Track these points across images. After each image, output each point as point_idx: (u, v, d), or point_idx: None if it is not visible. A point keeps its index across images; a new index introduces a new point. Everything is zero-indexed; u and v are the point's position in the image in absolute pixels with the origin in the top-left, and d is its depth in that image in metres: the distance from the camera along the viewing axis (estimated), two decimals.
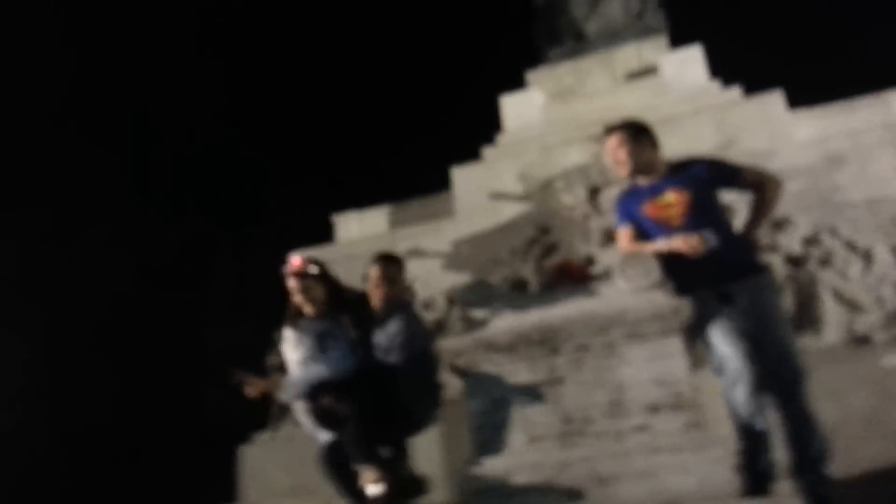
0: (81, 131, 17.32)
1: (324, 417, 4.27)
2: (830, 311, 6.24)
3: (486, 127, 9.16)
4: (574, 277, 4.39)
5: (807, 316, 6.23)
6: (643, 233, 4.10)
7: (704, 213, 3.96)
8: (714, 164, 4.17)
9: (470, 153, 8.96)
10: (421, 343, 4.49)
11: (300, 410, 4.52)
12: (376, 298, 4.61)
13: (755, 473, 3.65)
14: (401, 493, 4.11)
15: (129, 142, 18.05)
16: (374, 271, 4.68)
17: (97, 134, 17.48)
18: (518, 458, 3.87)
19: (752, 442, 3.72)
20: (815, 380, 3.93)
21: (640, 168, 4.16)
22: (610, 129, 4.31)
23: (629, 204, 4.21)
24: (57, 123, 17.10)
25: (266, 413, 8.61)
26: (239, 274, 15.38)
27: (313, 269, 4.55)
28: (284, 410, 8.45)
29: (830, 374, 5.42)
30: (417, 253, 8.70)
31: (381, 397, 4.19)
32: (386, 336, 4.45)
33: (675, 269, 3.89)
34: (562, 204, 7.94)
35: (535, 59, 9.55)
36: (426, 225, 8.90)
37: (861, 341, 6.07)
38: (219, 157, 17.88)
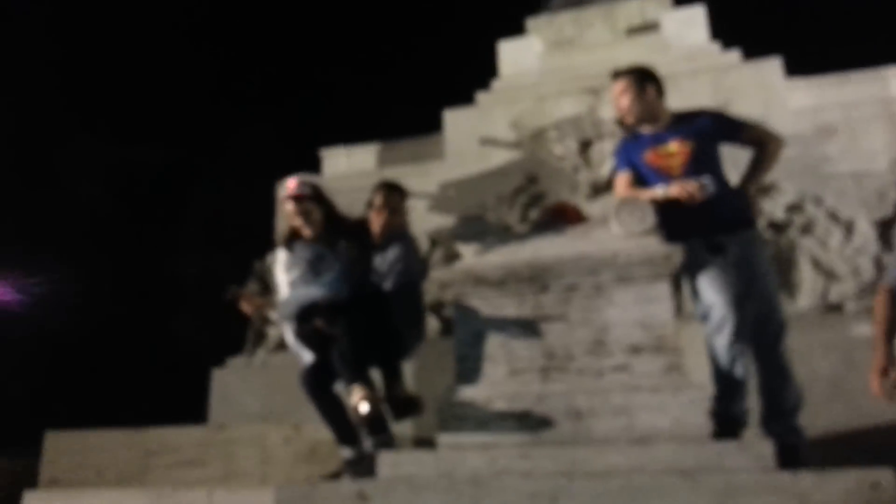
0: (68, 54, 16.97)
1: (313, 338, 4.33)
2: (806, 278, 6.41)
3: (482, 71, 9.12)
4: (569, 220, 4.46)
5: (783, 281, 6.39)
6: (642, 180, 4.18)
7: (705, 165, 4.04)
8: (719, 116, 4.25)
9: (464, 97, 8.94)
10: (415, 273, 4.57)
11: (288, 331, 4.59)
12: (377, 225, 4.66)
13: (728, 418, 3.82)
14: (396, 412, 4.20)
15: (115, 65, 17.72)
16: (378, 198, 4.73)
17: (83, 57, 17.14)
18: (497, 389, 3.98)
19: (728, 388, 3.88)
20: (788, 343, 4.09)
21: (643, 115, 4.22)
22: (616, 74, 4.35)
23: (630, 150, 4.27)
24: (43, 46, 16.73)
25: (241, 339, 8.69)
26: (219, 203, 15.32)
27: (311, 191, 4.56)
28: (260, 337, 8.55)
29: (801, 339, 5.57)
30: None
31: (374, 321, 4.26)
32: (384, 262, 4.52)
33: (670, 217, 3.98)
34: (552, 154, 7.98)
35: (536, 5, 9.48)
36: (414, 165, 8.90)
37: (833, 309, 6.26)
38: (209, 85, 17.64)
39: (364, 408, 4.06)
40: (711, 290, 3.92)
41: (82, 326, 13.71)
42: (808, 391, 4.47)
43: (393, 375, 4.38)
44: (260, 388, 8.00)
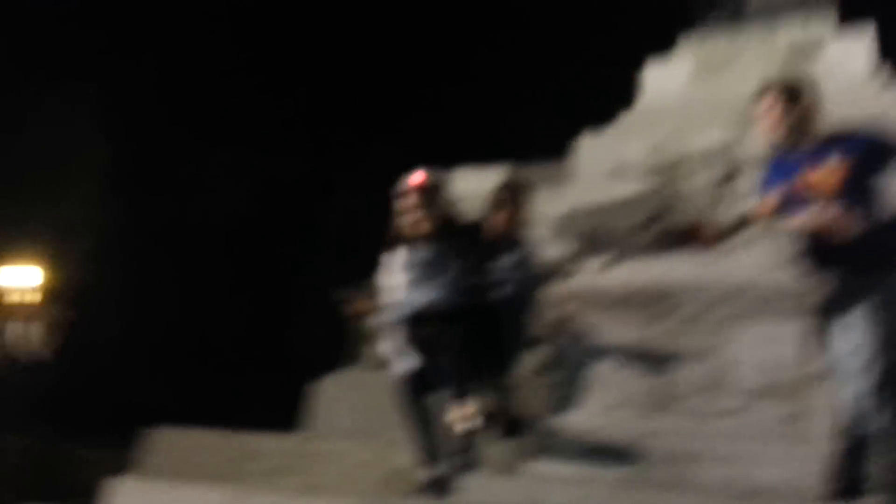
0: (219, 60, 18.12)
1: (424, 344, 4.26)
2: None
3: (622, 93, 8.93)
4: (702, 241, 4.12)
5: None
6: (788, 203, 3.85)
7: (860, 188, 3.70)
8: (879, 136, 3.90)
9: (601, 118, 8.77)
10: (533, 282, 4.44)
11: (391, 335, 4.53)
12: (500, 221, 4.59)
13: (849, 479, 3.42)
14: (505, 431, 4.04)
15: (268, 77, 18.70)
16: (502, 193, 4.69)
17: (234, 64, 18.25)
18: (597, 420, 3.80)
19: (853, 446, 3.48)
20: None
21: (793, 132, 3.92)
22: (765, 88, 4.08)
23: (779, 170, 3.96)
24: (199, 53, 17.94)
25: (342, 353, 8.83)
26: (349, 214, 15.76)
27: (434, 185, 4.49)
28: (359, 354, 8.64)
29: None
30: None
31: (488, 331, 4.14)
32: (502, 267, 4.41)
33: (812, 249, 3.65)
34: (691, 185, 7.66)
35: (687, 25, 9.20)
36: (545, 188, 8.77)
37: None
38: (347, 100, 18.33)
39: (478, 422, 3.90)
40: (846, 336, 3.53)
41: (202, 328, 14.45)
42: None
43: (503, 391, 4.22)
44: (355, 405, 8.05)
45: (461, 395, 4.00)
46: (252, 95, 17.94)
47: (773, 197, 3.95)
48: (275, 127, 17.95)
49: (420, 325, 4.32)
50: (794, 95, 3.97)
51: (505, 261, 4.50)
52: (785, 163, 3.99)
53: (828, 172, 3.76)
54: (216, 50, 17.95)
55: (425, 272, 4.39)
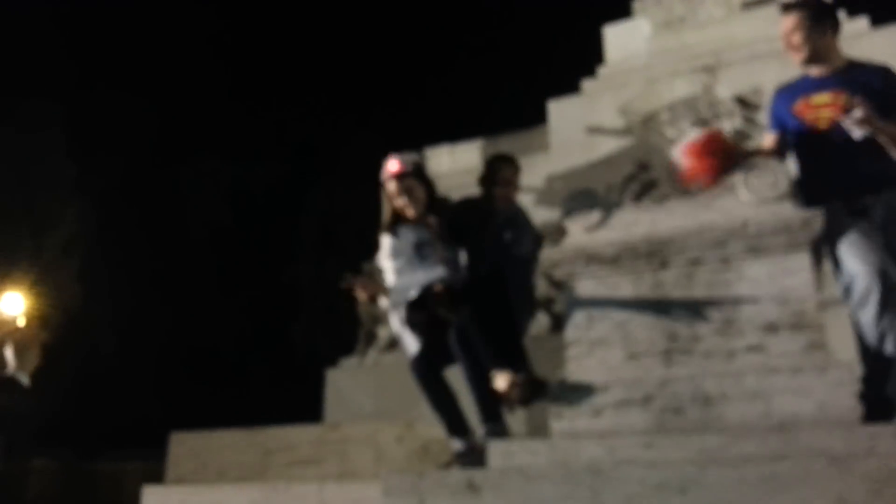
0: (200, 66, 17.75)
1: (424, 324, 4.15)
2: None
3: (587, 59, 8.76)
4: (725, 154, 3.83)
5: None
6: (789, 136, 3.71)
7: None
8: (892, 77, 3.72)
9: (569, 86, 8.60)
10: (528, 250, 4.34)
11: (395, 319, 4.43)
12: (507, 196, 4.53)
13: (879, 400, 3.33)
14: (525, 395, 3.91)
15: (243, 82, 18.39)
16: (509, 170, 4.63)
17: (209, 72, 17.88)
18: (614, 374, 3.66)
19: (878, 368, 3.39)
20: None
21: (815, 56, 3.74)
22: (787, 7, 3.87)
23: (784, 100, 3.79)
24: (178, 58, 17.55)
25: (353, 339, 8.69)
26: (331, 210, 15.56)
27: (413, 168, 4.39)
28: (371, 337, 8.51)
29: None
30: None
31: (495, 303, 4.00)
32: (500, 241, 4.32)
33: (806, 177, 3.55)
34: (665, 138, 7.51)
35: None
36: (519, 159, 8.64)
37: None
38: (314, 95, 18.06)
39: (515, 392, 3.82)
40: (854, 259, 3.42)
41: (205, 333, 14.21)
42: None
43: (520, 358, 4.09)
44: (372, 388, 7.93)
45: (499, 364, 3.87)
46: (227, 101, 17.64)
47: (771, 136, 3.82)
48: (251, 131, 17.66)
49: (420, 308, 4.21)
50: (819, 19, 3.77)
51: (504, 235, 4.40)
52: (789, 92, 3.81)
53: (822, 105, 3.62)
54: (190, 58, 17.61)
55: (415, 255, 4.30)
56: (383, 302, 4.47)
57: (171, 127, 16.89)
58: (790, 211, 3.49)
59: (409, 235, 4.36)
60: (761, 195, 3.57)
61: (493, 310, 3.99)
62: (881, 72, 3.71)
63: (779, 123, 3.82)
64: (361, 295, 4.39)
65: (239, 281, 14.90)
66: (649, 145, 7.68)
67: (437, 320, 4.12)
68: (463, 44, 18.23)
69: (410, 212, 4.36)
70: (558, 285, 4.14)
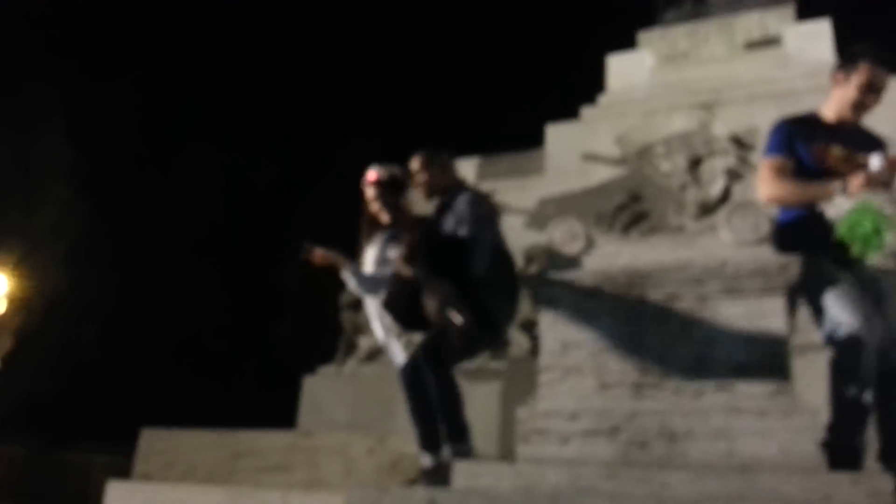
0: (189, 62, 17.81)
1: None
2: None
3: (589, 86, 8.86)
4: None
5: None
6: (802, 173, 3.68)
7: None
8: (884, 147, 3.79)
9: (569, 112, 8.70)
10: (492, 228, 4.32)
11: (381, 327, 4.56)
12: (422, 191, 4.58)
13: (846, 450, 3.36)
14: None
15: (239, 79, 18.45)
16: (414, 164, 4.67)
17: (205, 66, 17.94)
18: (585, 403, 3.70)
19: (850, 417, 3.41)
20: None
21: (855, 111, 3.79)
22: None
23: (801, 134, 3.69)
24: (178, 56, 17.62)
25: (333, 347, 8.69)
26: (322, 214, 15.59)
27: (388, 178, 4.58)
28: (351, 346, 8.51)
29: None
30: (501, 207, 8.56)
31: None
32: (454, 215, 4.31)
33: (805, 220, 3.56)
34: (659, 171, 7.61)
35: (649, 19, 9.16)
36: (514, 180, 8.72)
37: None
38: (318, 98, 18.15)
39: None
40: (839, 308, 3.45)
41: (187, 328, 14.19)
42: None
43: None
44: (348, 398, 7.93)
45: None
46: (223, 96, 17.70)
47: (785, 161, 3.67)
48: (247, 128, 17.72)
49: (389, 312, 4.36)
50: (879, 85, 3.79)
51: (457, 207, 4.42)
52: (808, 129, 3.80)
53: (842, 158, 3.65)
54: (186, 52, 17.67)
55: (383, 262, 4.52)
56: (350, 282, 4.60)
57: (170, 118, 16.97)
58: (768, 254, 3.55)
59: (380, 238, 4.64)
60: (742, 237, 3.64)
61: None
62: (878, 141, 3.79)
63: (792, 154, 3.69)
64: (315, 260, 4.55)
65: (226, 278, 14.91)
66: (643, 177, 7.77)
67: (415, 311, 4.15)
68: (471, 60, 18.41)
69: (384, 217, 4.63)
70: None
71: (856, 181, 3.45)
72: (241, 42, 18.34)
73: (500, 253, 4.32)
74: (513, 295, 4.29)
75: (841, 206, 3.46)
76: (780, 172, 3.64)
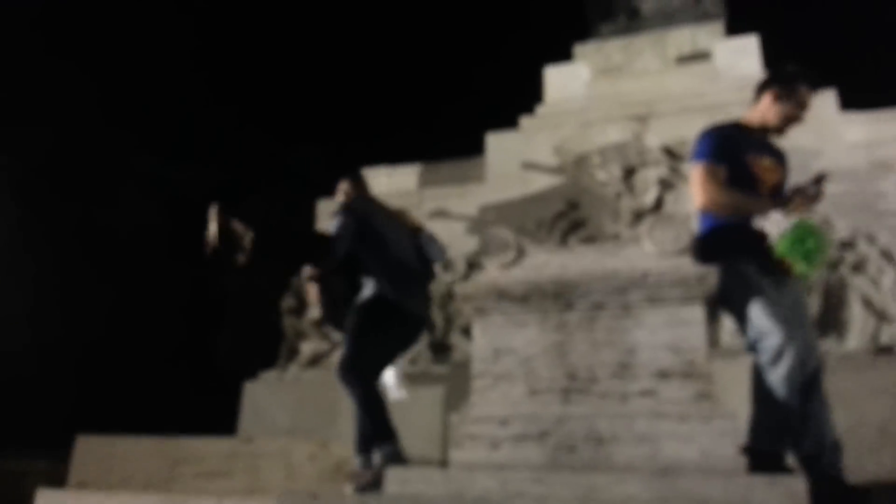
0: (133, 64, 17.44)
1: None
2: (857, 318, 6.04)
3: (527, 97, 8.99)
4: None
5: (832, 320, 6.05)
6: (732, 181, 3.68)
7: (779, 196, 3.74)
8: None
9: (508, 122, 8.81)
10: (351, 217, 4.31)
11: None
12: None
13: (769, 453, 3.47)
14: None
15: (166, 86, 18.11)
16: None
17: (149, 68, 17.59)
18: (515, 409, 3.77)
19: (776, 421, 3.51)
20: (832, 384, 3.73)
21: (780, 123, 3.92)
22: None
23: (736, 144, 3.76)
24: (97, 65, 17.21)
25: (275, 353, 8.63)
26: (264, 222, 15.39)
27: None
28: (293, 352, 8.46)
29: (848, 381, 5.24)
30: (442, 214, 8.63)
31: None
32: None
33: (731, 228, 3.65)
34: (595, 180, 7.77)
35: (585, 32, 9.34)
36: (455, 187, 8.82)
37: (884, 351, 5.87)
38: (257, 106, 17.97)
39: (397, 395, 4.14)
40: (763, 316, 3.55)
41: (125, 336, 13.89)
42: (855, 436, 4.15)
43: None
44: (290, 403, 7.89)
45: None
46: (166, 101, 17.38)
47: (722, 169, 3.69)
48: (189, 133, 17.45)
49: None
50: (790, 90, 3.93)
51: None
52: (743, 138, 3.89)
53: (770, 169, 3.78)
54: (130, 53, 17.31)
55: None
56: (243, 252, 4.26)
57: (109, 122, 16.59)
58: (688, 265, 3.67)
59: None
60: (664, 248, 3.75)
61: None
62: (780, 152, 3.96)
63: (724, 161, 3.74)
64: (212, 225, 4.17)
65: (164, 285, 14.64)
66: (580, 186, 7.93)
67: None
68: (413, 67, 18.47)
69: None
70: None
71: (799, 200, 3.59)
72: (179, 44, 18.03)
73: (375, 237, 4.27)
74: (407, 274, 4.24)
75: (776, 220, 3.55)
76: (715, 179, 3.69)
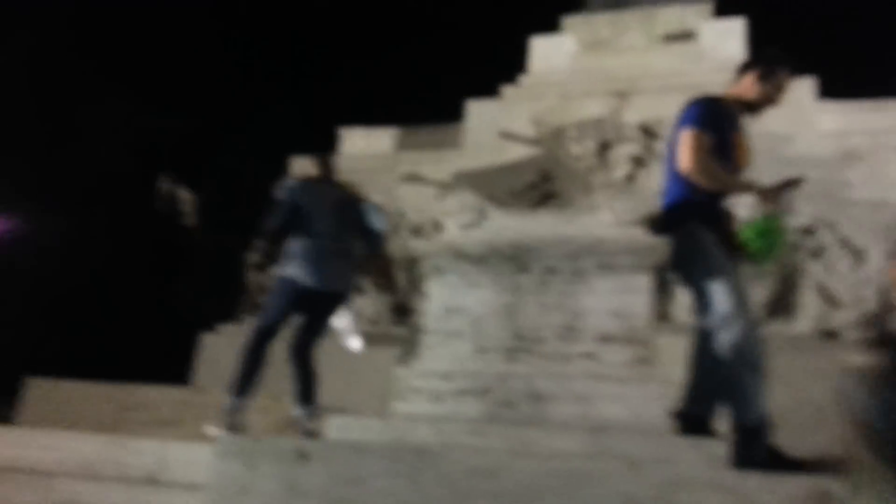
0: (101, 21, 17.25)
1: None
2: (808, 303, 6.25)
3: (511, 65, 9.07)
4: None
5: (783, 303, 6.25)
6: (717, 151, 3.73)
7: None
8: None
9: (490, 89, 8.90)
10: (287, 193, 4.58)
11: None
12: None
13: (697, 418, 3.61)
14: None
15: (147, 37, 17.92)
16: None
17: (115, 25, 17.41)
18: (461, 365, 3.91)
19: (706, 389, 3.64)
20: (777, 365, 3.88)
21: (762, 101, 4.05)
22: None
23: (725, 120, 3.82)
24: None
25: (236, 308, 8.73)
26: (235, 175, 15.40)
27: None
28: (255, 307, 8.56)
29: (794, 362, 5.44)
30: (416, 178, 8.72)
31: None
32: None
33: (694, 205, 3.76)
34: (570, 153, 7.89)
35: (574, 3, 9.42)
36: (431, 153, 8.90)
37: (831, 336, 6.09)
38: (236, 61, 17.85)
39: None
40: (718, 283, 3.63)
41: (87, 282, 13.88)
42: (795, 415, 4.33)
43: None
44: None
45: None
46: (144, 47, 17.22)
47: (711, 138, 3.77)
48: (165, 81, 17.31)
49: None
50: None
51: None
52: (732, 116, 3.99)
53: (746, 148, 3.90)
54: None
55: None
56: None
57: (78, 65, 16.39)
58: (641, 235, 3.81)
59: None
60: (620, 218, 3.89)
61: None
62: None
63: (714, 133, 3.79)
64: (162, 194, 4.71)
65: (127, 230, 14.61)
66: (555, 157, 8.03)
67: None
68: (397, 30, 18.39)
69: None
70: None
71: (773, 201, 3.73)
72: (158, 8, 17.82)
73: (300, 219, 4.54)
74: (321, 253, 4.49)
75: (746, 205, 3.66)
76: (704, 149, 3.75)
